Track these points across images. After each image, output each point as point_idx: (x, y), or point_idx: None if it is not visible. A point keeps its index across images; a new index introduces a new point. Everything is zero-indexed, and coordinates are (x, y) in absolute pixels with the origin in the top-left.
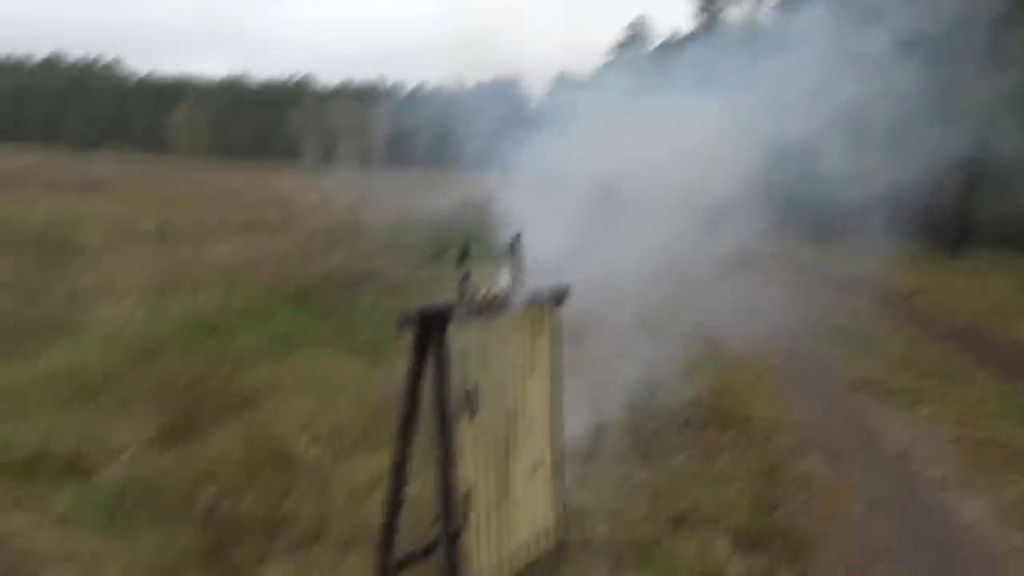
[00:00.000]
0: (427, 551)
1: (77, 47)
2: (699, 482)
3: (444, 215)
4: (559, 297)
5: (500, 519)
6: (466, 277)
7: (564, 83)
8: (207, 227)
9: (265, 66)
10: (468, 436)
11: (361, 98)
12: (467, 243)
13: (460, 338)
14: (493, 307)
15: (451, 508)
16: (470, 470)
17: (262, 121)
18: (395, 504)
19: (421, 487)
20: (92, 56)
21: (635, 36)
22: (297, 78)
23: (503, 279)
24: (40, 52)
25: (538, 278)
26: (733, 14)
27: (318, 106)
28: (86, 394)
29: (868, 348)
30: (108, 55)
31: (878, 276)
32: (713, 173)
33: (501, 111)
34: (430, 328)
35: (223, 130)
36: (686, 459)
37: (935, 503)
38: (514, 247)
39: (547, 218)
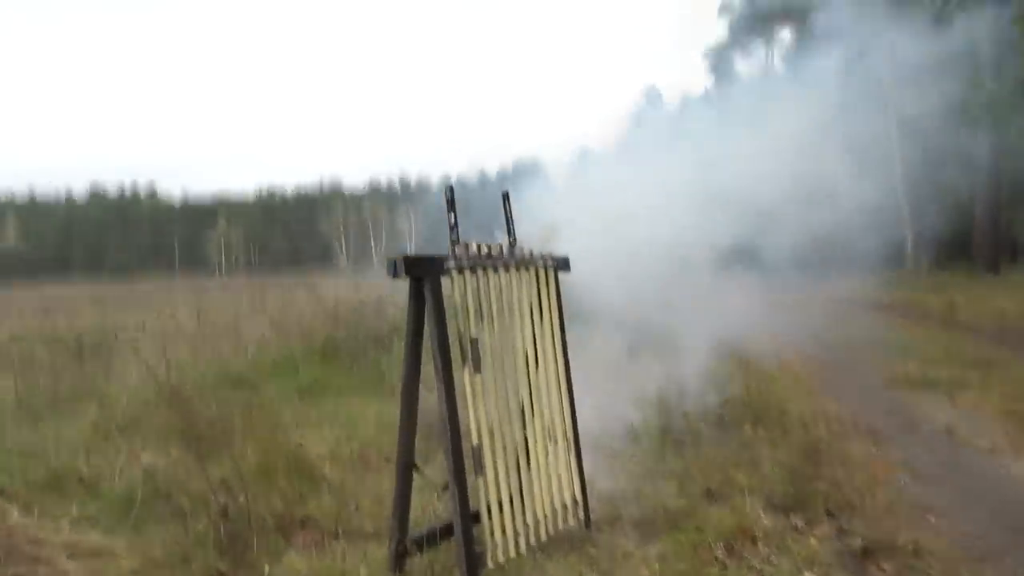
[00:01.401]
0: (448, 529)
1: (115, 176)
2: (733, 464)
3: None
4: (559, 263)
5: (517, 488)
6: (454, 227)
7: (585, 158)
8: (240, 320)
9: (296, 174)
10: (473, 390)
11: (389, 197)
12: (450, 190)
13: (454, 287)
14: (488, 261)
15: (462, 479)
16: (478, 426)
17: (295, 230)
18: (407, 468)
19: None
20: (130, 184)
21: (650, 100)
22: (327, 183)
23: (498, 238)
24: (79, 185)
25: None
26: (744, 67)
27: (348, 210)
28: (112, 432)
29: (906, 351)
30: (143, 181)
31: (914, 299)
32: (735, 225)
33: (526, 194)
34: (422, 277)
35: (259, 243)
36: (720, 448)
37: (984, 466)
38: (506, 207)
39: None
